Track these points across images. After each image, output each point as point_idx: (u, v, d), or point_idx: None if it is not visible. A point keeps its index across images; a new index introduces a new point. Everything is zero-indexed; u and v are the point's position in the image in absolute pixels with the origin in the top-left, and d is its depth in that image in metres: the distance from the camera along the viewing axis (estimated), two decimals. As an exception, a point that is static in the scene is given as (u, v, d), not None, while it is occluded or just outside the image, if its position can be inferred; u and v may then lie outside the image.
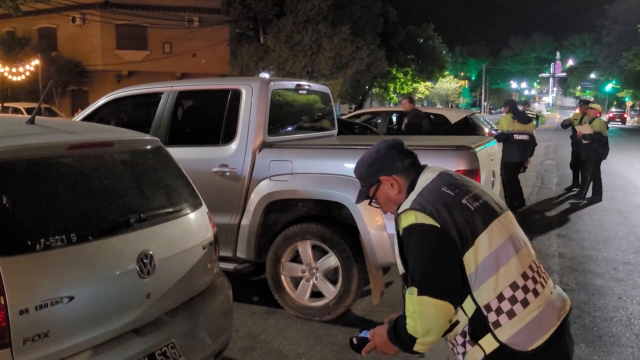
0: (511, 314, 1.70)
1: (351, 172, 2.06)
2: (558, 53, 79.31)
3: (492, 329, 1.70)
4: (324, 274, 4.24)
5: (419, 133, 8.29)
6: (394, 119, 10.69)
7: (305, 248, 4.25)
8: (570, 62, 77.33)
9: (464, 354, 1.77)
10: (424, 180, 1.86)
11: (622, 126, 44.55)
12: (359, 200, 2.04)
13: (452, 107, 50.10)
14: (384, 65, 26.83)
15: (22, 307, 1.93)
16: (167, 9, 27.66)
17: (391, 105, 33.63)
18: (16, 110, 21.23)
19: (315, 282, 4.27)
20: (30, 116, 2.57)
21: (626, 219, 8.23)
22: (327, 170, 4.15)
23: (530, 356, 1.69)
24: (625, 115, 50.71)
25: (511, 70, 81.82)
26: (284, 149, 4.46)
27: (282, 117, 4.99)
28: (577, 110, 11.80)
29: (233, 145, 4.43)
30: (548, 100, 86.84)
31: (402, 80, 34.71)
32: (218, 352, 2.83)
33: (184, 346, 2.53)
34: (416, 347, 1.73)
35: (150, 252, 2.43)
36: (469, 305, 1.72)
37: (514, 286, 1.72)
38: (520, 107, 10.25)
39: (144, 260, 2.40)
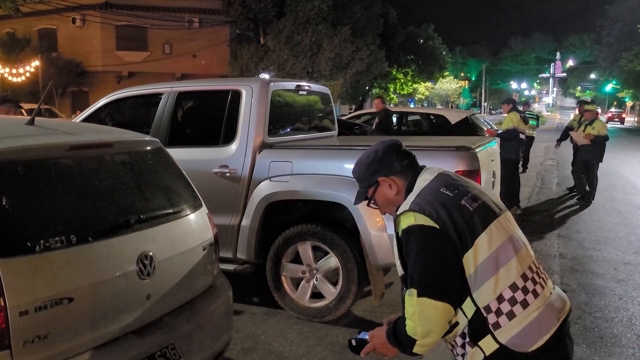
0: (511, 315, 1.69)
1: (351, 173, 2.06)
2: (558, 53, 79.18)
3: (492, 330, 1.69)
4: (325, 275, 4.24)
5: (389, 131, 9.01)
6: (394, 119, 10.79)
7: (305, 249, 4.25)
8: (570, 63, 77.25)
9: (463, 355, 1.77)
10: (422, 181, 1.86)
11: (621, 126, 44.58)
12: (357, 202, 2.03)
13: (452, 107, 50.12)
14: (384, 65, 26.82)
15: (21, 309, 1.93)
16: (167, 10, 27.61)
17: (391, 105, 33.61)
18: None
19: (315, 283, 4.27)
20: (30, 117, 2.57)
21: (626, 219, 8.22)
22: (328, 171, 4.15)
23: (530, 357, 1.68)
24: (623, 115, 50.75)
25: (511, 71, 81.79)
26: (284, 149, 4.46)
27: (282, 117, 4.98)
28: (577, 111, 11.82)
29: (233, 146, 4.42)
30: (548, 101, 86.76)
31: (402, 80, 34.64)
32: (218, 353, 2.83)
33: (184, 347, 2.52)
34: (416, 349, 1.72)
35: (150, 253, 2.43)
36: (468, 307, 1.71)
37: (513, 287, 1.71)
38: (520, 108, 10.33)
39: (144, 262, 2.40)
